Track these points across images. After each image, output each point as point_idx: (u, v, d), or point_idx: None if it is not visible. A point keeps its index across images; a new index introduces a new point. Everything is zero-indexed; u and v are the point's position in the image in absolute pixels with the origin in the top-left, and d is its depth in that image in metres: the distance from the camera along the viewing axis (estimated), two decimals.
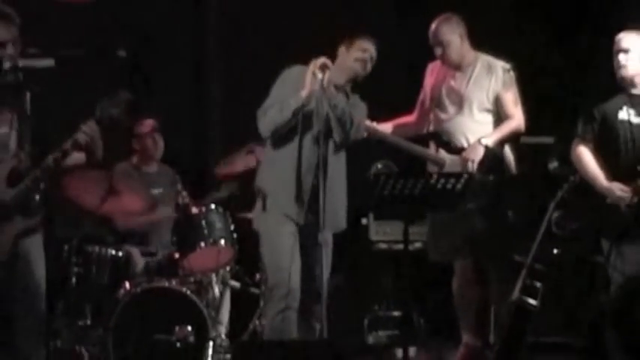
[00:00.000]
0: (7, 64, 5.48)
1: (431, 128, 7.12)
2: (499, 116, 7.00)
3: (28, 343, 5.66)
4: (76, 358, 6.74)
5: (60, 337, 6.76)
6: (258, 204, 6.17)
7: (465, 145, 6.95)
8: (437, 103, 7.07)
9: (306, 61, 6.03)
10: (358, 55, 6.14)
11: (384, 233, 7.92)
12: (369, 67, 6.15)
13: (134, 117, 6.96)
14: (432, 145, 7.11)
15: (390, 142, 7.20)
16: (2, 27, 5.53)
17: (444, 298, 7.40)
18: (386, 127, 7.21)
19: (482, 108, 7.00)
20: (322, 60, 5.96)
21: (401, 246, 6.34)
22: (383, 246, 7.95)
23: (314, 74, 5.95)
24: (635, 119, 6.33)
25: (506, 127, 6.96)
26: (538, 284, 6.48)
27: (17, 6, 5.76)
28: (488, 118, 7.01)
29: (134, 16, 8.09)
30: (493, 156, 6.91)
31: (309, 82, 5.98)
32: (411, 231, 6.15)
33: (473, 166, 6.87)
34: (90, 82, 6.41)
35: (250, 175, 6.94)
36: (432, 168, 7.02)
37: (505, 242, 6.94)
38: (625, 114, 6.35)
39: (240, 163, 7.37)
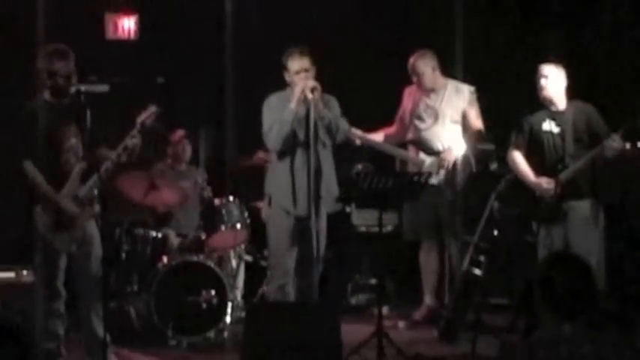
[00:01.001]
0: (72, 89, 5.72)
1: (411, 136, 7.30)
2: (464, 127, 7.24)
3: (88, 303, 5.89)
4: (126, 316, 6.91)
5: (113, 299, 6.92)
6: (266, 201, 6.32)
7: (441, 148, 7.14)
8: (416, 116, 7.27)
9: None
10: (293, 78, 6.07)
11: (363, 219, 7.99)
12: (310, 80, 5.98)
13: (166, 126, 6.98)
14: (412, 149, 7.31)
15: (379, 148, 7.35)
16: (66, 62, 5.77)
17: (408, 269, 7.61)
18: (378, 137, 7.36)
19: (453, 120, 7.23)
20: (312, 83, 5.96)
21: (376, 229, 6.43)
22: (362, 229, 8.05)
23: (303, 91, 5.91)
24: (555, 129, 6.54)
25: (472, 138, 7.21)
26: (482, 258, 6.58)
27: (81, 45, 6.01)
28: (458, 129, 7.24)
29: (168, 50, 8.10)
30: (465, 158, 7.14)
31: (296, 97, 5.95)
32: (384, 217, 6.31)
33: (449, 165, 7.06)
34: (135, 102, 6.47)
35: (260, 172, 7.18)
36: (412, 167, 7.20)
37: (465, 226, 7.10)
38: (547, 125, 6.56)
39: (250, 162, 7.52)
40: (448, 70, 7.34)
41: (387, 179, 5.99)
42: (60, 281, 5.82)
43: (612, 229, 6.75)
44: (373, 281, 7.95)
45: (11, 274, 6.63)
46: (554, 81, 6.53)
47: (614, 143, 6.23)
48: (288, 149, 6.09)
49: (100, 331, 5.71)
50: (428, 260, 7.34)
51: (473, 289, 6.55)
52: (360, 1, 8.63)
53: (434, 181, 6.99)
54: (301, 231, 6.09)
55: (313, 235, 5.95)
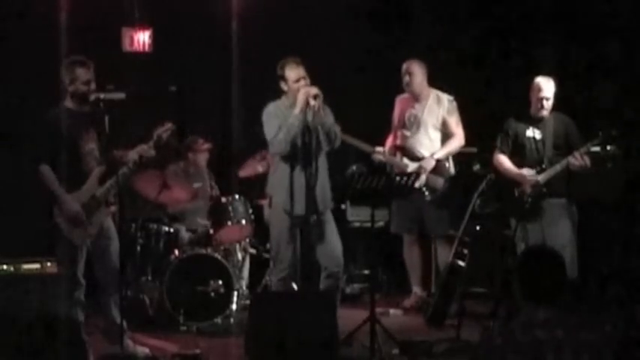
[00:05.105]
0: (92, 97, 5.72)
1: (397, 142, 7.30)
2: (445, 134, 7.24)
3: (107, 291, 5.90)
4: (141, 303, 6.92)
5: (129, 288, 6.91)
6: (267, 202, 6.27)
7: (423, 155, 7.15)
8: (402, 125, 7.28)
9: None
10: (292, 87, 5.91)
11: (357, 215, 7.97)
12: (313, 87, 5.82)
13: (180, 137, 7.01)
14: (399, 155, 7.28)
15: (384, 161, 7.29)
16: (86, 71, 5.76)
17: (398, 261, 7.57)
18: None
19: (434, 128, 7.22)
20: (315, 90, 5.81)
21: (369, 224, 6.40)
22: (356, 224, 8.02)
23: (307, 98, 5.77)
24: (538, 136, 6.62)
25: (452, 144, 7.21)
26: (465, 251, 6.58)
27: (100, 57, 5.99)
28: (439, 136, 7.24)
29: (180, 62, 8.04)
30: (441, 164, 7.14)
31: (300, 103, 5.80)
32: (376, 213, 6.29)
33: (426, 171, 7.05)
34: (149, 109, 6.46)
35: (262, 174, 7.16)
36: (398, 171, 7.12)
37: (448, 222, 7.14)
38: (531, 132, 6.64)
39: (255, 167, 7.46)
40: (437, 81, 7.27)
41: (379, 179, 5.97)
42: (80, 272, 5.82)
43: (585, 224, 6.74)
44: (366, 272, 7.94)
45: (37, 266, 6.74)
46: (550, 94, 6.56)
47: (575, 161, 6.36)
48: (288, 154, 5.95)
49: (117, 317, 5.74)
50: (410, 254, 7.38)
51: (457, 279, 6.54)
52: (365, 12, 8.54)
53: (416, 184, 6.97)
54: (300, 229, 6.03)
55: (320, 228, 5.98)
